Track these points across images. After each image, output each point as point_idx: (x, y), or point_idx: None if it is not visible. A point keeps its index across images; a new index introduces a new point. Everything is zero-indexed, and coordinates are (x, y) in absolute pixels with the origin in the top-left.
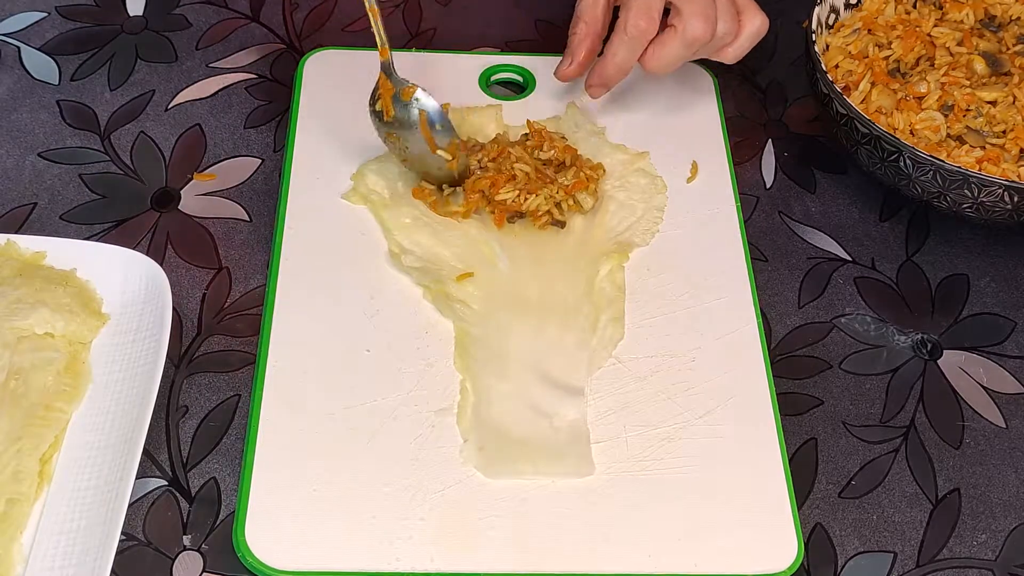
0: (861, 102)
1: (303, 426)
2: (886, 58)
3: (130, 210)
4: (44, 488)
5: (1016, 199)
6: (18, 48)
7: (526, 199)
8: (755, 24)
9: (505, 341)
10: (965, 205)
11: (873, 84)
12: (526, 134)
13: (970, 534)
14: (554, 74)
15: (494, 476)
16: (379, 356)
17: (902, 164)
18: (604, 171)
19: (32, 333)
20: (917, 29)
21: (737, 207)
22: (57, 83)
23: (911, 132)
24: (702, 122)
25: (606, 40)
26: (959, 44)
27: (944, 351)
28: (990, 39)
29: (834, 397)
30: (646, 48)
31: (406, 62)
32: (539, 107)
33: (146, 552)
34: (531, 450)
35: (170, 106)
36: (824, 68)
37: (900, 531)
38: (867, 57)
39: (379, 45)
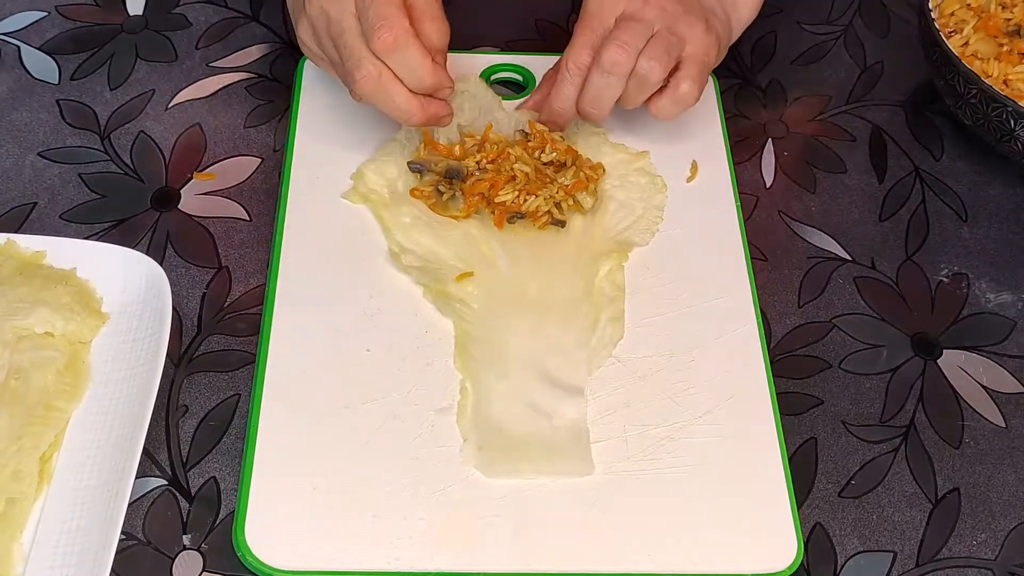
0: (962, 45)
1: (303, 425)
2: (1008, 20)
3: (130, 209)
4: (44, 487)
5: None
6: (18, 47)
7: (526, 200)
8: (683, 88)
9: (505, 340)
10: None
11: (976, 30)
12: (525, 132)
13: (970, 534)
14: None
15: (494, 475)
16: (379, 355)
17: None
18: (604, 171)
19: (32, 332)
20: None
21: (737, 207)
22: (57, 82)
23: (1004, 82)
24: (702, 122)
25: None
26: None
27: (944, 351)
28: None
29: (834, 397)
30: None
31: None
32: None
33: (146, 552)
34: (531, 449)
35: (170, 105)
36: (931, 7)
37: (900, 531)
38: (985, 13)
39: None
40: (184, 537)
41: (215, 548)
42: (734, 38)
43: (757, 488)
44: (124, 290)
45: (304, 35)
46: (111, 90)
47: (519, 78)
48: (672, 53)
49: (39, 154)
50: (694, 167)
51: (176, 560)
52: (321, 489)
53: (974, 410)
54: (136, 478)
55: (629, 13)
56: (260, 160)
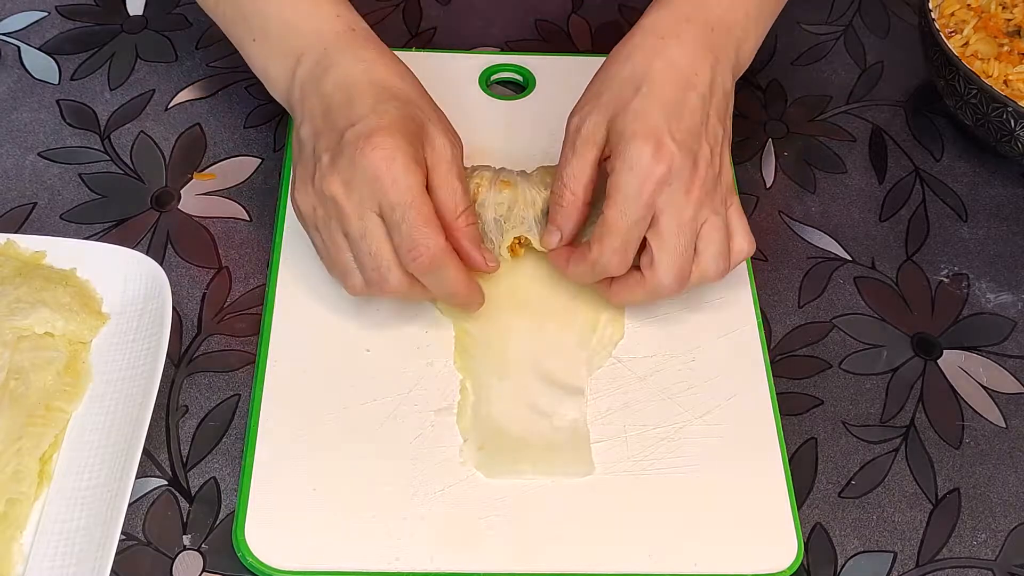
0: (962, 45)
1: (303, 426)
2: (1008, 20)
3: (130, 210)
4: (44, 488)
5: None
6: (18, 47)
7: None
8: (741, 249)
9: (505, 341)
10: None
11: (976, 30)
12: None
13: (970, 534)
14: (541, 244)
15: (494, 476)
16: (379, 356)
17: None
18: None
19: (32, 333)
20: None
21: None
22: (57, 82)
23: (1004, 82)
24: None
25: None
26: None
27: (944, 351)
28: None
29: (834, 397)
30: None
31: (405, 62)
32: (539, 107)
33: (146, 552)
34: (531, 450)
35: (170, 106)
36: (931, 7)
37: (900, 531)
38: (985, 13)
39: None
40: (184, 537)
41: (215, 548)
42: None
43: (757, 488)
44: (124, 290)
45: (305, 206)
46: (111, 90)
47: (519, 78)
48: (724, 249)
49: (39, 154)
50: None
51: (176, 560)
52: (321, 489)
53: (974, 410)
54: (136, 478)
55: (667, 214)
56: (260, 160)
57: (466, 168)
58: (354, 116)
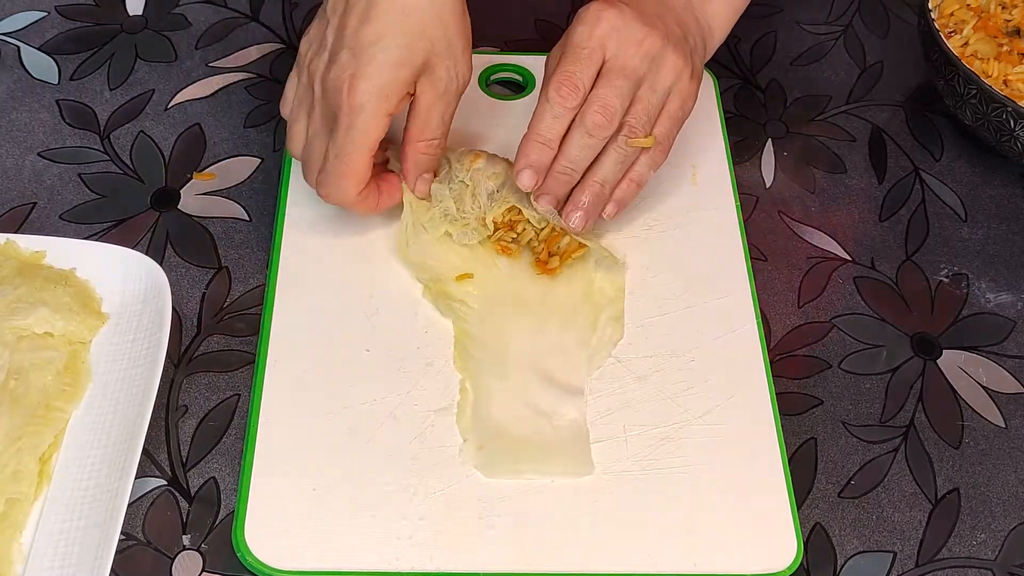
0: (961, 45)
1: (303, 426)
2: (1008, 20)
3: (130, 210)
4: (44, 488)
5: None
6: (18, 47)
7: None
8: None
9: (505, 340)
10: None
11: (975, 30)
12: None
13: (969, 534)
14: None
15: (494, 475)
16: (379, 355)
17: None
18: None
19: (32, 332)
20: None
21: (737, 207)
22: (57, 82)
23: (1004, 82)
24: (702, 122)
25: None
26: None
27: (944, 351)
28: None
29: (834, 397)
30: None
31: None
32: None
33: (145, 552)
34: (531, 450)
35: (170, 105)
36: (931, 7)
37: (899, 531)
38: (985, 13)
39: None
40: (184, 537)
41: (215, 548)
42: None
43: (757, 488)
44: (124, 290)
45: (304, 48)
46: (111, 90)
47: (519, 78)
48: (652, 117)
49: (39, 154)
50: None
51: (176, 560)
52: (321, 489)
53: (974, 410)
54: (136, 478)
55: (616, 59)
56: (260, 160)
57: (468, 150)
58: (359, 39)
